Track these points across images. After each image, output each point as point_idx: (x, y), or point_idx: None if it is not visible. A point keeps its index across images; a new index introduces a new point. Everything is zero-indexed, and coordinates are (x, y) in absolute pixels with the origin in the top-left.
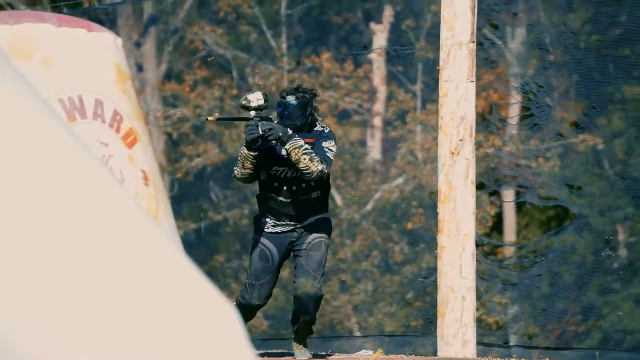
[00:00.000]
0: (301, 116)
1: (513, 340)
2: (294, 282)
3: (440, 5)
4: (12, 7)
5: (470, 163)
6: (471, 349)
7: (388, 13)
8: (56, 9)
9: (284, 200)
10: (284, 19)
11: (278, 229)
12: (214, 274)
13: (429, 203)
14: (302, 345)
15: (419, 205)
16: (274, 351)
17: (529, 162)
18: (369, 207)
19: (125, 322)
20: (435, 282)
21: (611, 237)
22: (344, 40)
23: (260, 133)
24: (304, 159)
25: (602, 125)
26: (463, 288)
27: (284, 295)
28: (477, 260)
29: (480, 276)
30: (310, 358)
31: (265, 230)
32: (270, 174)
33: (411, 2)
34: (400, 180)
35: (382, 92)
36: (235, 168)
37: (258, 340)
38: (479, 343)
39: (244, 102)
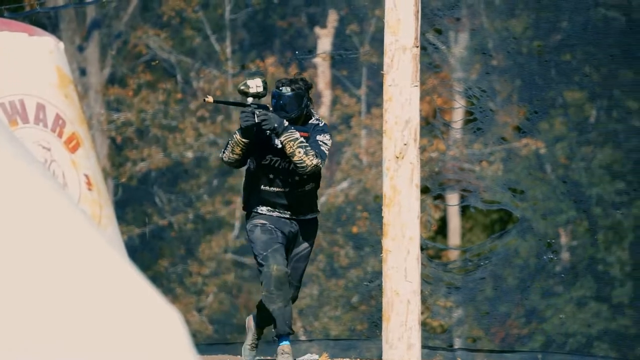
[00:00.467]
0: (296, 108)
1: (457, 343)
2: None
3: (384, 10)
4: None
5: (414, 167)
6: (416, 353)
7: (332, 18)
8: None
9: (278, 190)
10: (228, 23)
11: (275, 214)
12: (159, 279)
13: (374, 207)
14: (285, 348)
15: (364, 209)
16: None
17: (473, 166)
18: None
19: (67, 327)
20: (380, 286)
21: (553, 241)
22: (288, 45)
23: (256, 121)
24: (299, 152)
25: (544, 130)
26: (408, 291)
27: (229, 300)
28: (422, 264)
29: (425, 280)
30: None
31: (261, 214)
32: (262, 164)
33: (355, 7)
34: (345, 184)
35: (326, 96)
36: (223, 150)
37: (203, 345)
38: (423, 346)
39: (242, 87)
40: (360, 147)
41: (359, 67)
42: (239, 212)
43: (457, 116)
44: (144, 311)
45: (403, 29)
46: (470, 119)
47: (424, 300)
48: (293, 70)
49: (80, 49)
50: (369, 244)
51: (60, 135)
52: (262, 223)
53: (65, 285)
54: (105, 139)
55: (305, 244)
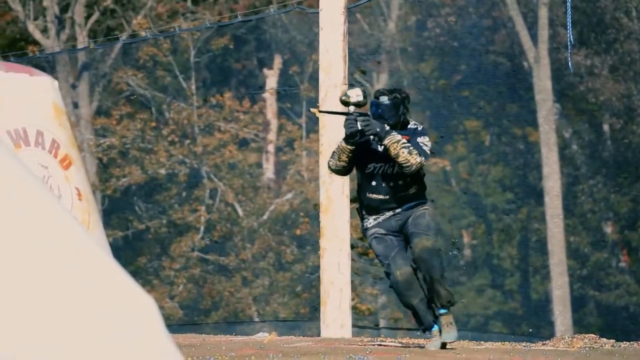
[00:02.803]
0: (393, 116)
1: (382, 323)
2: (411, 248)
3: (319, 54)
4: None
5: (345, 181)
6: (348, 331)
7: (278, 61)
8: (5, 57)
9: (383, 197)
10: (194, 65)
11: (380, 219)
12: (138, 273)
13: (313, 213)
14: (447, 319)
15: (305, 215)
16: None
17: None
18: (265, 217)
19: (57, 311)
20: (318, 278)
21: (457, 240)
22: (242, 82)
23: (359, 128)
24: (403, 152)
25: (449, 151)
26: (341, 282)
27: (196, 289)
28: (352, 260)
29: (355, 272)
30: (456, 339)
31: (370, 225)
32: (366, 173)
33: (296, 52)
34: (290, 195)
35: (274, 124)
36: (330, 159)
37: (175, 326)
38: (354, 326)
39: (343, 98)
40: (302, 165)
41: (300, 100)
42: (204, 217)
43: None
44: (124, 299)
45: (334, 70)
46: None
47: (354, 289)
48: (247, 103)
49: (73, 86)
50: (310, 243)
51: (55, 155)
52: (375, 234)
53: (59, 277)
54: (94, 159)
55: (416, 209)
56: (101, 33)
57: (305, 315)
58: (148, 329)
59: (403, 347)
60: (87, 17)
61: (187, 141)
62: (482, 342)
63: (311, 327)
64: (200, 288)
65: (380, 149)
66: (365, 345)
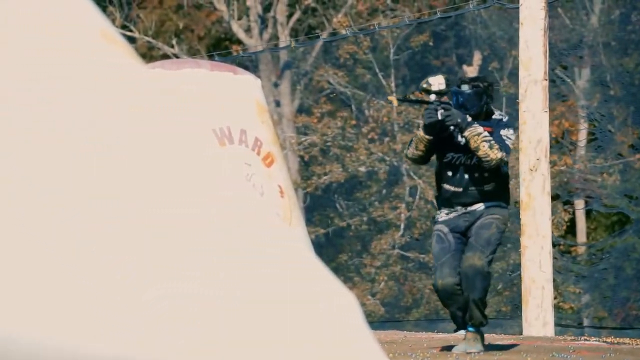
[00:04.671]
0: (475, 105)
1: (585, 322)
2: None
3: (518, 50)
4: (177, 57)
5: (545, 178)
6: (550, 330)
7: (477, 57)
8: (210, 57)
9: (457, 189)
10: (393, 62)
11: (451, 215)
12: (340, 269)
13: (514, 211)
14: (474, 336)
15: None
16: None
17: (595, 177)
18: None
19: (259, 308)
20: (519, 276)
21: None
22: None
23: (440, 118)
24: (483, 146)
25: None
26: (542, 280)
27: (397, 286)
28: (554, 258)
29: (557, 270)
30: (481, 351)
31: (439, 220)
32: (444, 162)
33: (496, 47)
34: None
35: None
36: (408, 147)
37: (377, 323)
38: (556, 324)
39: (424, 86)
40: None
41: (500, 96)
42: (404, 215)
43: (582, 136)
44: (326, 295)
45: (534, 65)
46: (592, 138)
47: (556, 287)
48: None
49: (275, 85)
50: (510, 241)
51: (258, 153)
52: (438, 231)
53: (261, 273)
54: (295, 157)
55: (486, 216)
56: (302, 32)
57: (507, 313)
58: (350, 326)
59: (608, 345)
60: (289, 16)
61: (387, 138)
62: None
63: (513, 325)
64: (401, 285)
65: (460, 139)
66: (568, 343)
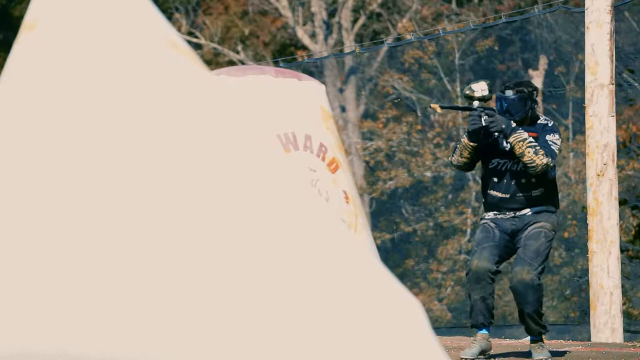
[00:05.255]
0: (520, 111)
1: None
2: (511, 270)
3: (585, 54)
4: (242, 63)
5: (613, 183)
6: (619, 336)
7: (543, 61)
8: (275, 63)
9: (504, 196)
10: (458, 67)
11: (499, 216)
12: (406, 275)
13: (581, 216)
14: (537, 344)
15: (572, 218)
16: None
17: None
18: None
19: (325, 314)
20: (587, 281)
21: None
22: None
23: (483, 124)
24: (528, 152)
25: None
26: (610, 286)
27: (464, 292)
28: (622, 263)
29: (626, 276)
30: (549, 357)
31: (486, 218)
32: (489, 168)
33: (562, 52)
34: None
35: None
36: (452, 155)
37: (444, 329)
38: (625, 331)
39: (467, 92)
40: (569, 167)
41: (566, 101)
42: (470, 220)
43: None
44: (391, 301)
45: (601, 70)
46: None
47: (625, 293)
48: None
49: (341, 90)
50: (578, 246)
51: (323, 159)
52: (485, 223)
53: (326, 280)
54: (361, 162)
55: (535, 224)
56: (367, 37)
57: (574, 319)
58: (415, 331)
59: None
60: (354, 22)
61: (453, 143)
62: None
63: (581, 331)
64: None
65: (506, 145)
66: (638, 350)
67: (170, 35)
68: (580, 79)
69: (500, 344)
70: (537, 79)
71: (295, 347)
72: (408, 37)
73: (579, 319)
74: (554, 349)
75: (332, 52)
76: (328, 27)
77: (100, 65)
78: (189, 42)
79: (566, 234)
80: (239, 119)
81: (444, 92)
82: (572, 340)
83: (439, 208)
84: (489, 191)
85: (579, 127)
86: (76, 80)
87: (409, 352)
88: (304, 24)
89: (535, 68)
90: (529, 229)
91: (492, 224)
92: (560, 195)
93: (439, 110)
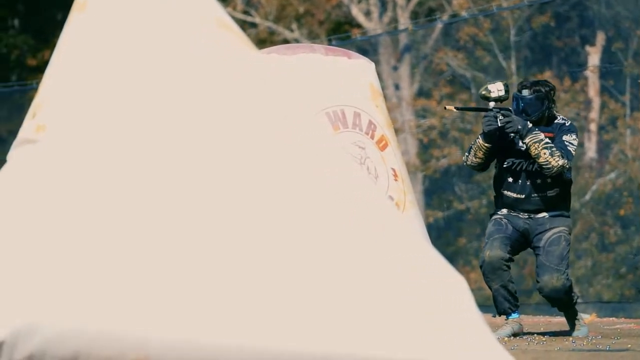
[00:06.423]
0: (537, 111)
1: None
2: (537, 281)
3: None
4: (297, 41)
5: None
6: None
7: (600, 37)
8: (330, 41)
9: (518, 196)
10: (514, 44)
11: (512, 213)
12: (459, 253)
13: (637, 193)
14: (579, 323)
15: (629, 195)
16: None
17: None
18: (587, 197)
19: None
20: None
21: None
22: (563, 61)
23: (499, 125)
24: (544, 153)
25: None
26: None
27: (517, 270)
28: None
29: None
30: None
31: (500, 213)
32: (504, 167)
33: (620, 28)
34: (613, 175)
35: (596, 102)
36: (466, 154)
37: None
38: None
39: (484, 92)
40: (625, 143)
41: (623, 77)
42: None
43: None
44: (436, 277)
45: None
46: None
47: None
48: (567, 82)
49: (395, 68)
50: (634, 224)
51: (372, 137)
52: (497, 217)
53: (372, 255)
54: (414, 140)
55: (552, 230)
56: (422, 14)
57: (629, 297)
58: (459, 307)
59: None
60: None
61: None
62: None
63: (636, 309)
64: (521, 269)
65: (521, 145)
66: None
67: (219, 15)
68: (638, 55)
69: (551, 322)
70: (594, 55)
71: (345, 316)
72: (463, 14)
73: (633, 297)
74: (606, 327)
75: (386, 30)
76: (383, 4)
77: (149, 44)
78: (244, 21)
79: (622, 212)
80: (286, 97)
81: (499, 69)
82: (626, 318)
83: (492, 186)
84: (503, 191)
85: (637, 104)
86: (125, 59)
87: (453, 327)
88: (359, 2)
89: (593, 44)
90: (548, 234)
91: (504, 219)
92: (615, 173)
93: (454, 111)
